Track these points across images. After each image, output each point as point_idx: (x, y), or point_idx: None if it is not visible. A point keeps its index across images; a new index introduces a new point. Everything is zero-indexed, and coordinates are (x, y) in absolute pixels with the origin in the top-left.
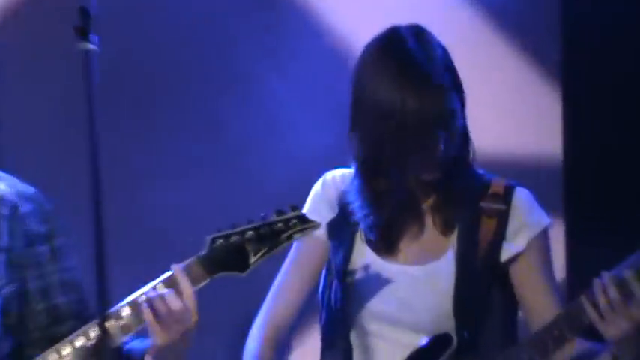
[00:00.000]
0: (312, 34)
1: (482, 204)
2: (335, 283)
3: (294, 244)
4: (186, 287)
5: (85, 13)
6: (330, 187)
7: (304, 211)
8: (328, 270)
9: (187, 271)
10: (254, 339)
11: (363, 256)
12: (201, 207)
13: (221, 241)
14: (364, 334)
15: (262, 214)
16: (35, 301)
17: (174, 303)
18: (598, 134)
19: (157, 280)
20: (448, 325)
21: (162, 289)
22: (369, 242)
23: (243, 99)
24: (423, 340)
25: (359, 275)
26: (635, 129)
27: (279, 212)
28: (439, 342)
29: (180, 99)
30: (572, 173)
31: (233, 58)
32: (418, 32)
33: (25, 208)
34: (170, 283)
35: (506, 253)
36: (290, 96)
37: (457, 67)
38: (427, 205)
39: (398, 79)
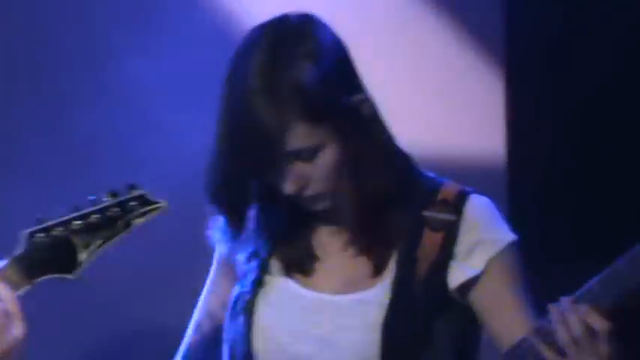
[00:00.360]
0: (194, 5)
1: (426, 213)
2: (240, 315)
3: (213, 266)
4: (4, 290)
5: None
6: None
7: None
8: (237, 298)
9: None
10: None
11: (276, 282)
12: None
13: (41, 235)
14: None
15: (92, 198)
16: None
17: None
18: (545, 133)
19: None
20: None
21: None
22: (283, 266)
23: (93, 85)
24: None
25: (268, 306)
26: (590, 126)
27: (113, 194)
28: None
29: (10, 86)
30: (517, 175)
31: (82, 32)
32: (300, 30)
33: None
34: None
35: (457, 277)
36: (159, 82)
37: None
38: (343, 227)
39: (241, 87)
